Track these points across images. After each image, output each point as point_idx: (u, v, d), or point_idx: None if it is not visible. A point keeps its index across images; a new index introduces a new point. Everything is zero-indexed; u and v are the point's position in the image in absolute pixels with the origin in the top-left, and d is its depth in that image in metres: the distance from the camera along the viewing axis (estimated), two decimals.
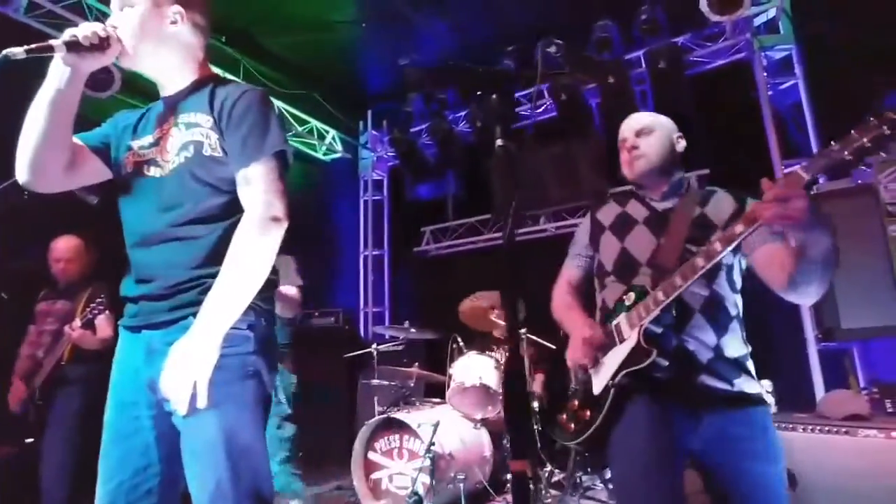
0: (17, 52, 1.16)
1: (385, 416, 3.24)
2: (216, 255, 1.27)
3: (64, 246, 3.16)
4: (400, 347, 4.66)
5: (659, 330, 1.47)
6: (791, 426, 2.54)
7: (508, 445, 3.17)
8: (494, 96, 1.06)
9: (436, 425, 2.99)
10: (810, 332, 3.74)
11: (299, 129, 5.66)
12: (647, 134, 1.69)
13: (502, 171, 0.84)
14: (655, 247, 1.59)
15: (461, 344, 3.58)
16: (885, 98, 3.76)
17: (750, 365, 1.52)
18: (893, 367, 3.26)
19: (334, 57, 5.22)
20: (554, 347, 3.23)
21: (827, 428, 2.45)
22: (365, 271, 6.36)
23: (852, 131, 1.12)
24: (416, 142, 5.81)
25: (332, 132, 6.04)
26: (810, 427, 2.49)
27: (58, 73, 1.28)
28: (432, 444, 2.95)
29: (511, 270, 0.86)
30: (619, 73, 4.43)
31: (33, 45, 1.17)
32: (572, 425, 1.59)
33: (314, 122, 5.81)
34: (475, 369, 3.27)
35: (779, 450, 1.43)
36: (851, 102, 3.71)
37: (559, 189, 4.95)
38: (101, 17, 3.98)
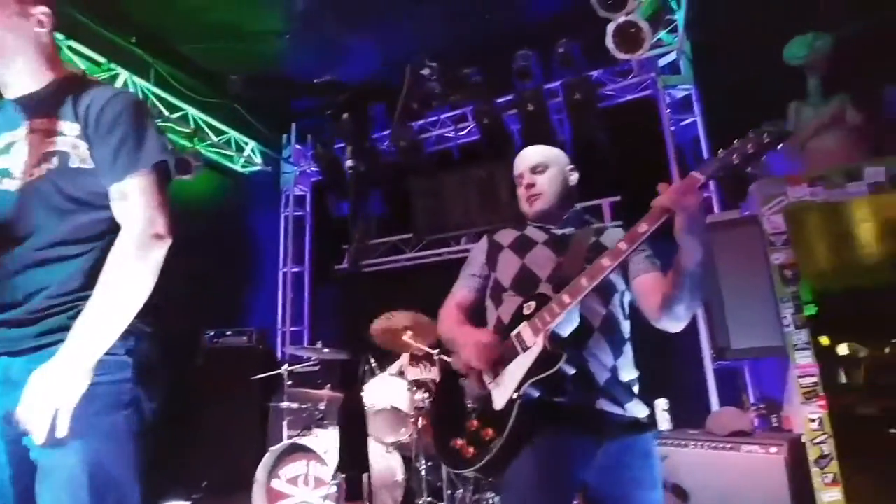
0: None
1: (290, 441, 3.10)
2: (91, 277, 1.17)
3: None
4: (315, 368, 4.50)
5: (565, 334, 1.43)
6: (683, 443, 2.68)
7: (423, 472, 3.12)
8: (346, 115, 1.01)
9: None
10: (707, 351, 3.99)
11: (215, 139, 5.42)
12: (542, 171, 1.71)
13: (353, 195, 0.82)
14: (556, 264, 1.59)
15: (374, 365, 3.51)
16: None
17: (637, 389, 1.55)
18: (778, 384, 3.53)
19: (257, 67, 5.07)
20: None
21: (714, 444, 2.60)
22: (284, 288, 6.14)
23: (735, 141, 1.26)
24: (339, 158, 5.73)
25: (252, 144, 5.83)
26: (700, 443, 2.63)
27: None
28: (338, 470, 2.84)
29: (353, 296, 0.83)
30: (538, 101, 4.61)
31: None
32: (472, 449, 1.45)
33: (232, 133, 5.59)
34: (386, 391, 3.20)
35: (659, 474, 1.47)
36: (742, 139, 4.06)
37: (480, 212, 5.04)
38: None
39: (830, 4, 3.38)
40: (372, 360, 3.52)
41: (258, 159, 5.92)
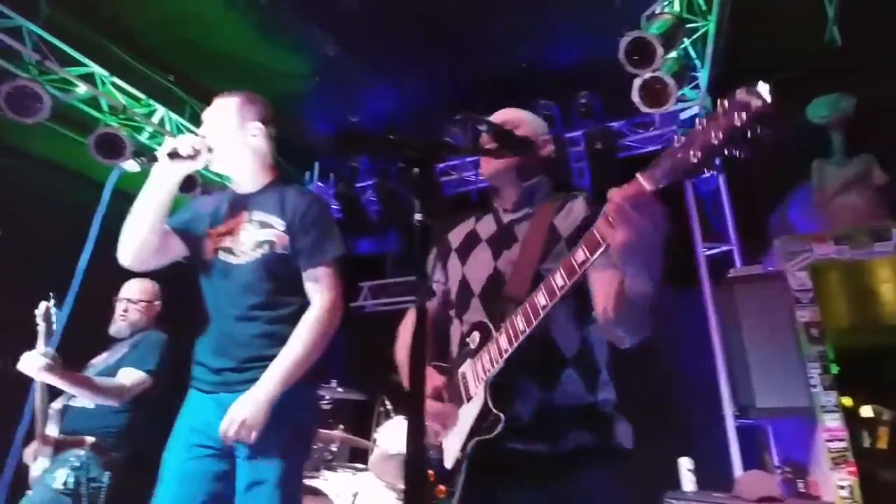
0: (132, 165, 1.56)
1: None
2: (282, 339, 1.57)
3: None
4: (327, 407, 4.43)
5: (515, 383, 1.21)
6: None
7: None
8: (416, 170, 1.06)
9: (354, 495, 2.82)
10: (729, 409, 3.87)
11: None
12: (512, 129, 1.39)
13: (419, 246, 0.84)
14: (492, 271, 1.35)
15: (389, 407, 3.45)
16: (789, 193, 4.17)
17: (617, 411, 1.31)
18: (804, 447, 3.41)
19: (281, 107, 5.21)
20: None
21: None
22: None
23: (698, 124, 0.85)
24: (359, 197, 5.82)
25: None
26: None
27: (158, 175, 1.61)
28: None
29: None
30: (559, 149, 4.69)
31: (143, 158, 1.57)
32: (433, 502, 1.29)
33: None
34: (401, 435, 3.13)
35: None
36: (763, 194, 4.08)
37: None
38: (41, 42, 3.84)
39: (853, 67, 3.45)
40: (387, 403, 3.46)
41: None
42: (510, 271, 1.32)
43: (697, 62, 3.75)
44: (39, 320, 2.25)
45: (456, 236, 1.54)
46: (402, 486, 3.17)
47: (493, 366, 1.19)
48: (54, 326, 2.22)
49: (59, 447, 2.32)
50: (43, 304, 2.27)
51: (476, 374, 1.24)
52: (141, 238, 1.64)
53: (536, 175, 1.46)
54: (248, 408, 1.49)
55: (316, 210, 1.67)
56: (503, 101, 4.77)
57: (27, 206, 2.58)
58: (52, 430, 2.38)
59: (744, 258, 4.12)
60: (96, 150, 4.03)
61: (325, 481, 3.04)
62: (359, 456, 3.90)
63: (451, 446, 1.25)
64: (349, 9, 3.85)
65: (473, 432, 1.20)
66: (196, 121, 4.92)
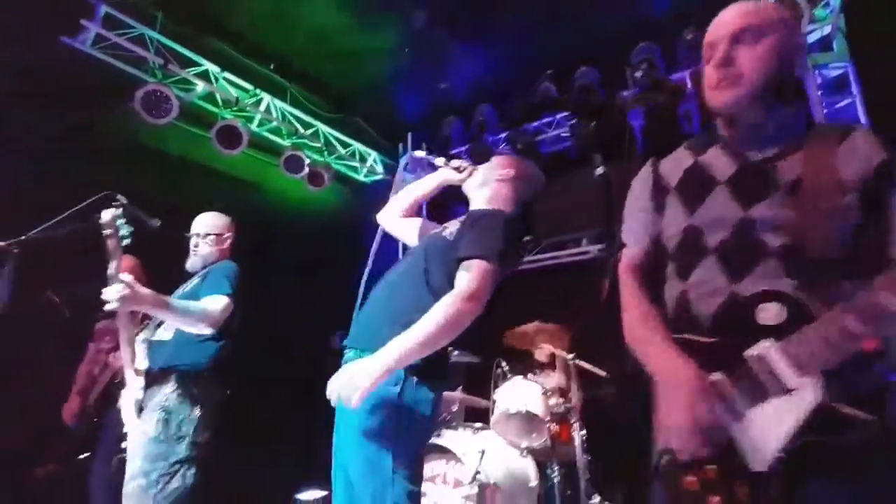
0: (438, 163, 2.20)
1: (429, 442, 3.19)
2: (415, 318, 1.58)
3: (124, 266, 3.25)
4: None
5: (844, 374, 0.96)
6: None
7: (556, 479, 3.08)
8: (594, 124, 1.03)
9: (482, 453, 2.94)
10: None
11: (342, 151, 5.77)
12: (752, 41, 1.11)
13: (602, 197, 0.82)
14: (738, 221, 1.08)
15: (506, 368, 3.53)
16: None
17: None
18: None
19: (373, 82, 5.32)
20: (605, 375, 3.15)
21: None
22: None
23: None
24: None
25: (374, 154, 6.14)
26: None
27: (433, 175, 2.18)
28: (478, 472, 2.89)
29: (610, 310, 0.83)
30: (670, 92, 4.35)
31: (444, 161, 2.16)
32: (717, 500, 1.04)
33: (356, 146, 5.93)
34: (520, 395, 3.20)
35: None
36: None
37: (599, 212, 4.86)
38: (162, 48, 4.19)
39: None
40: (504, 364, 3.54)
41: (379, 168, 6.22)
42: (789, 231, 1.04)
43: None
44: (108, 231, 2.10)
45: (671, 172, 1.25)
46: (524, 444, 3.26)
47: (834, 353, 0.96)
48: (122, 237, 2.12)
49: (148, 383, 2.33)
50: (109, 212, 2.10)
51: (796, 362, 0.99)
52: (397, 206, 2.25)
53: (789, 100, 1.13)
54: (355, 369, 1.46)
55: (488, 214, 1.83)
56: (594, 50, 4.51)
57: (170, 201, 2.87)
58: (142, 364, 2.37)
59: None
60: (218, 141, 4.38)
61: (452, 440, 3.19)
62: (474, 415, 4.04)
63: (757, 446, 1.02)
64: None
65: (804, 433, 0.98)
66: (297, 104, 5.19)
